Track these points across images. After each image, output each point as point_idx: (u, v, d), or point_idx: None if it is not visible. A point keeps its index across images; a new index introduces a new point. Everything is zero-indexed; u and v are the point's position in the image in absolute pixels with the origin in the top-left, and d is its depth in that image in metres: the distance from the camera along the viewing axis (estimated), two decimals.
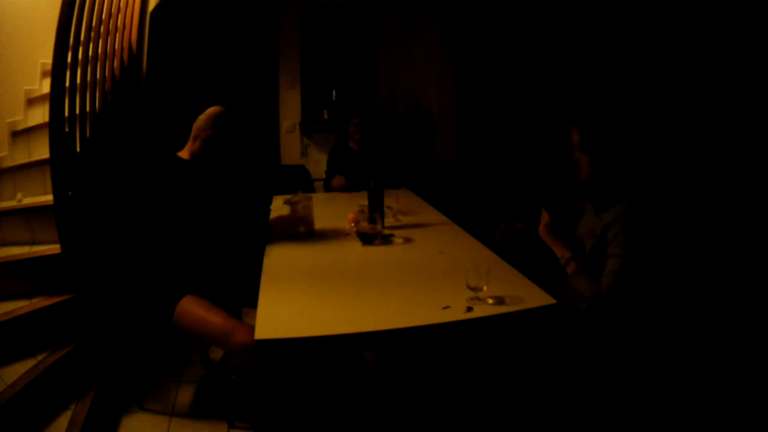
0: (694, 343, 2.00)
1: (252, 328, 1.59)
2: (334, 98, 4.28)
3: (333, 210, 2.76)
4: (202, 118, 2.03)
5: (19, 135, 2.82)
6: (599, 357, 1.67)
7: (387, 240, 2.10)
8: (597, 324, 1.65)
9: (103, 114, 2.46)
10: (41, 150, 2.65)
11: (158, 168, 1.96)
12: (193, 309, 1.75)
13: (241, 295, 2.06)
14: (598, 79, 3.15)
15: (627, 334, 1.67)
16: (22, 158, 2.73)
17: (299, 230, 2.19)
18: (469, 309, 1.40)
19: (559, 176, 1.87)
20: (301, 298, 1.54)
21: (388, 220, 2.31)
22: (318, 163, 4.21)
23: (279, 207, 2.86)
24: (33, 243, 2.32)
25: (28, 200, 2.47)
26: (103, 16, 2.48)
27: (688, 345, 1.98)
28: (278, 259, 1.89)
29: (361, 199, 2.39)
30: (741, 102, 2.26)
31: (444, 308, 1.41)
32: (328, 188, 3.47)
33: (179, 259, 1.79)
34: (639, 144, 2.63)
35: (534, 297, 1.47)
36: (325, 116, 4.19)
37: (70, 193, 2.05)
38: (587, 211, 1.83)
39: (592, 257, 1.70)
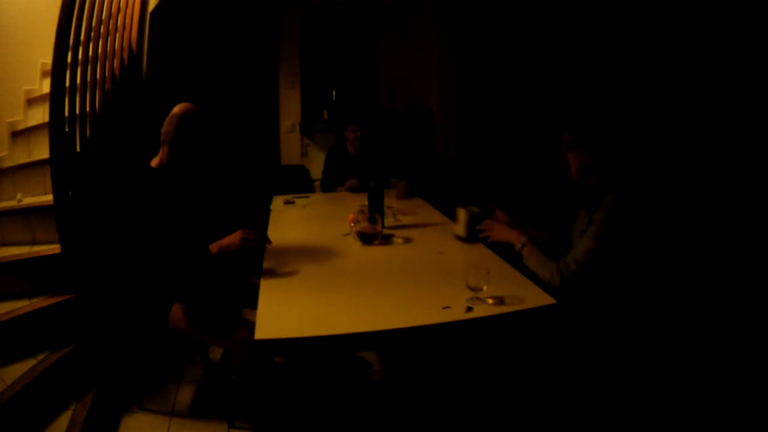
0: (684, 340, 2.01)
1: (251, 324, 1.59)
2: (334, 98, 4.28)
3: (333, 210, 2.76)
4: (166, 120, 1.81)
5: (19, 135, 2.83)
6: (598, 357, 1.67)
7: (387, 240, 2.10)
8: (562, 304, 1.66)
9: (103, 114, 2.46)
10: (41, 150, 2.64)
11: (129, 179, 1.86)
12: (187, 314, 1.75)
13: (241, 295, 2.06)
14: (590, 79, 3.17)
15: (618, 329, 1.68)
16: (22, 158, 2.73)
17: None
18: (469, 309, 1.40)
19: (556, 179, 1.88)
20: (301, 298, 1.54)
21: (388, 220, 2.31)
22: (318, 163, 4.21)
23: (279, 207, 2.87)
24: (33, 243, 2.32)
25: (28, 200, 2.47)
26: (103, 16, 2.48)
27: (679, 341, 1.99)
28: (278, 259, 1.89)
29: (361, 199, 2.38)
30: (718, 109, 2.28)
31: (444, 308, 1.41)
32: (325, 189, 3.47)
33: (166, 265, 1.75)
34: (625, 143, 2.65)
35: (534, 297, 1.47)
36: (325, 116, 4.19)
37: (70, 193, 2.05)
38: (580, 214, 1.84)
39: None
